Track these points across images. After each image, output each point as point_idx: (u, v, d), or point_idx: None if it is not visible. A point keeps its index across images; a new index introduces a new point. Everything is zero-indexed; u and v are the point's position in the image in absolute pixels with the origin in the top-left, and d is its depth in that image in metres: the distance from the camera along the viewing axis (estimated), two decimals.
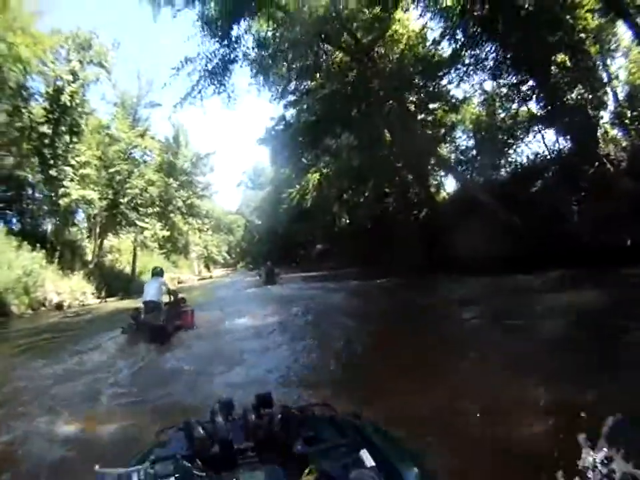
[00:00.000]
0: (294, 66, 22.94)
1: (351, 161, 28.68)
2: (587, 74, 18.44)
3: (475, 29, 18.86)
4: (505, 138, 22.97)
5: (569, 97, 18.43)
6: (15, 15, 21.61)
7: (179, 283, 33.95)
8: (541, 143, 21.88)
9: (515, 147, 23.02)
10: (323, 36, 20.47)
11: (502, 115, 23.59)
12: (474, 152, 25.67)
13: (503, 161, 23.45)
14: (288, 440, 1.70)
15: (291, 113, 27.91)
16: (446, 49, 21.79)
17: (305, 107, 25.96)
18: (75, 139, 25.34)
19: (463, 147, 26.74)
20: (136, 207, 29.05)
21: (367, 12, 21.16)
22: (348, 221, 39.15)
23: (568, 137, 19.37)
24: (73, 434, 5.04)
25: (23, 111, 23.40)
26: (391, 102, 21.85)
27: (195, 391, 6.20)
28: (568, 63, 18.29)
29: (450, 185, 29.93)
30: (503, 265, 14.78)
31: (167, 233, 35.59)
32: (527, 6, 17.25)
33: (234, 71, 20.81)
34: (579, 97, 18.53)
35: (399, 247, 23.94)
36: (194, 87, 20.38)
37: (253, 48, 21.10)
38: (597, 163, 16.84)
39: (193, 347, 9.27)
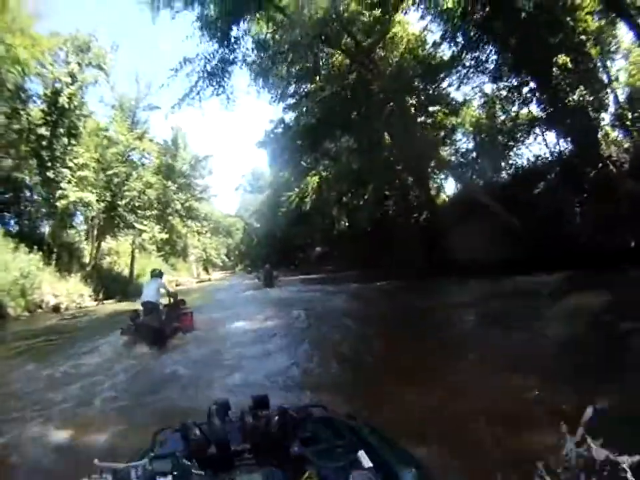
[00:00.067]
0: (293, 69, 22.90)
1: (350, 164, 28.64)
2: (587, 76, 18.42)
3: (475, 31, 18.82)
4: (505, 140, 22.95)
5: (570, 98, 18.39)
6: (13, 16, 21.57)
7: (177, 285, 33.67)
8: (541, 145, 22.03)
9: (515, 149, 23.01)
10: (323, 38, 20.39)
11: (502, 118, 23.58)
12: (474, 154, 25.66)
13: (503, 164, 23.49)
14: (285, 441, 1.69)
15: (290, 116, 28.01)
16: (446, 52, 21.91)
17: (304, 109, 25.94)
18: (72, 141, 25.21)
19: (463, 150, 26.79)
20: (134, 210, 28.86)
21: (367, 15, 21.11)
22: (347, 224, 39.07)
23: (569, 139, 19.37)
24: (65, 440, 4.94)
25: (21, 113, 23.33)
26: (391, 104, 21.78)
27: (192, 396, 6.06)
28: (569, 65, 18.24)
29: (450, 187, 30.00)
30: (503, 267, 14.82)
31: (165, 236, 35.47)
32: (527, 8, 17.19)
33: (233, 72, 20.75)
34: (581, 98, 18.50)
35: (399, 249, 23.89)
36: (192, 88, 20.27)
37: (252, 49, 21.12)
38: (599, 165, 16.81)
39: (191, 351, 9.14)
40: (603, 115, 19.26)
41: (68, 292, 21.99)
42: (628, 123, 18.38)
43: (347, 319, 11.76)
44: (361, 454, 1.51)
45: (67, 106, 24.06)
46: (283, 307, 15.34)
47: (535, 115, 21.24)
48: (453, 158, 26.56)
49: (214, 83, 20.30)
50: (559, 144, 20.54)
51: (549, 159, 20.86)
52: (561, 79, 18.54)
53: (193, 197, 45.62)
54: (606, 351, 6.22)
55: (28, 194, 27.34)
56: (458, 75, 21.85)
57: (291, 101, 26.27)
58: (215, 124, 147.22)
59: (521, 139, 22.51)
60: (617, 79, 20.04)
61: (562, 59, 18.23)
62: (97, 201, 25.66)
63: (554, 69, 18.30)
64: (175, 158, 43.14)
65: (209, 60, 19.71)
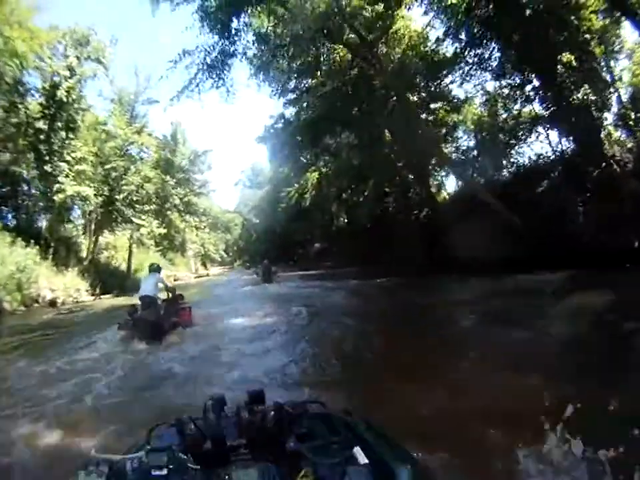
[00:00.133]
0: (295, 63, 22.72)
1: (350, 160, 28.64)
2: (591, 75, 18.34)
3: (479, 28, 18.69)
4: (507, 139, 22.92)
5: (574, 97, 18.30)
6: (12, 9, 21.38)
7: (175, 280, 33.63)
8: (543, 144, 21.91)
9: (517, 147, 22.97)
10: (324, 32, 20.21)
11: (504, 116, 23.51)
12: (475, 152, 25.62)
13: (504, 162, 23.44)
14: (281, 437, 1.68)
15: (290, 111, 27.93)
16: (449, 49, 21.86)
17: (304, 105, 25.80)
18: (71, 135, 25.17)
19: (464, 148, 26.76)
20: (132, 204, 28.76)
21: (370, 9, 20.96)
22: (346, 221, 39.09)
23: (571, 138, 19.26)
24: (56, 439, 4.81)
25: (20, 106, 23.24)
26: (394, 98, 21.64)
27: (190, 394, 5.90)
28: (574, 63, 18.16)
29: (451, 184, 29.93)
30: (504, 265, 14.79)
31: (163, 231, 35.38)
32: (531, 5, 17.08)
33: (233, 65, 20.48)
34: (585, 97, 18.43)
35: (399, 246, 23.88)
36: (191, 80, 19.98)
37: (253, 42, 20.85)
38: (603, 164, 16.72)
39: (189, 347, 9.01)
40: (605, 114, 19.28)
41: (65, 286, 21.86)
42: (631, 122, 18.38)
43: (346, 316, 11.65)
44: (357, 450, 1.48)
45: (65, 99, 23.99)
46: (281, 303, 15.27)
47: (538, 114, 21.18)
48: (453, 155, 26.45)
49: (214, 76, 20.03)
50: (560, 143, 20.57)
51: (551, 158, 20.81)
52: (566, 77, 18.46)
53: (192, 191, 45.62)
54: (609, 351, 6.19)
55: (25, 188, 27.28)
56: (461, 71, 21.83)
57: (291, 96, 26.13)
58: (215, 119, 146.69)
59: (523, 137, 22.48)
60: (620, 79, 20.09)
61: (566, 57, 18.17)
62: (95, 195, 25.58)
63: (558, 67, 18.18)
64: (174, 153, 43.15)
65: (208, 52, 19.44)
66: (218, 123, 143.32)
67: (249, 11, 18.99)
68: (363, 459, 1.44)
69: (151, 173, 31.81)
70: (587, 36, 18.11)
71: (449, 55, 21.71)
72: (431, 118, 24.92)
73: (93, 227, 28.62)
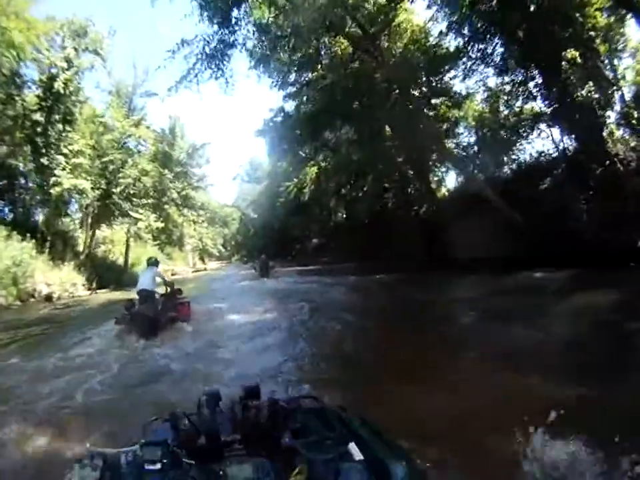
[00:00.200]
0: (295, 56, 22.50)
1: (350, 155, 28.48)
2: (595, 72, 18.22)
3: (482, 23, 18.54)
4: (508, 135, 22.79)
5: (579, 94, 18.15)
6: None
7: (172, 274, 33.56)
8: (544, 141, 21.84)
9: (518, 144, 22.80)
10: (327, 23, 19.98)
11: (505, 112, 23.42)
12: (475, 148, 25.52)
13: (505, 158, 23.36)
14: (275, 432, 1.70)
15: (290, 104, 27.80)
16: (451, 43, 21.78)
17: (304, 98, 25.67)
18: (68, 128, 24.96)
19: (465, 144, 26.58)
20: (129, 197, 28.57)
21: (372, 1, 20.82)
22: (345, 216, 39.01)
23: (573, 136, 19.14)
24: (45, 439, 4.67)
25: (17, 99, 23.02)
26: (397, 91, 21.47)
27: (185, 391, 5.77)
28: (579, 60, 18.02)
29: (451, 180, 29.85)
30: (504, 262, 14.89)
31: (161, 225, 35.11)
32: (536, 1, 16.97)
33: (233, 55, 20.19)
34: (589, 94, 18.30)
35: (398, 242, 23.86)
36: (190, 70, 19.67)
37: (253, 32, 20.54)
38: (606, 162, 16.64)
39: (186, 343, 8.91)
40: (608, 113, 19.16)
41: (61, 281, 21.73)
42: (634, 121, 18.26)
43: (345, 312, 11.55)
44: (352, 446, 1.51)
45: (62, 91, 23.77)
46: (279, 299, 15.25)
47: (539, 111, 21.12)
48: (454, 152, 26.21)
49: (212, 66, 19.72)
50: (562, 140, 20.44)
51: (553, 155, 20.74)
52: (570, 74, 18.33)
53: (190, 185, 45.43)
54: (612, 350, 6.13)
55: (23, 181, 27.08)
56: (463, 66, 21.75)
57: (291, 89, 26.05)
58: (214, 112, 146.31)
59: (524, 134, 22.37)
60: (623, 77, 20.07)
61: (571, 53, 18.03)
62: (92, 188, 25.40)
63: (563, 63, 18.02)
64: (172, 146, 42.87)
65: (207, 42, 19.16)
66: (216, 116, 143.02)
67: (250, 1, 18.75)
68: (357, 454, 1.47)
69: (149, 166, 31.58)
70: (592, 33, 18.06)
71: (451, 49, 21.62)
72: (431, 113, 24.74)
73: (89, 220, 28.46)
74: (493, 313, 9.66)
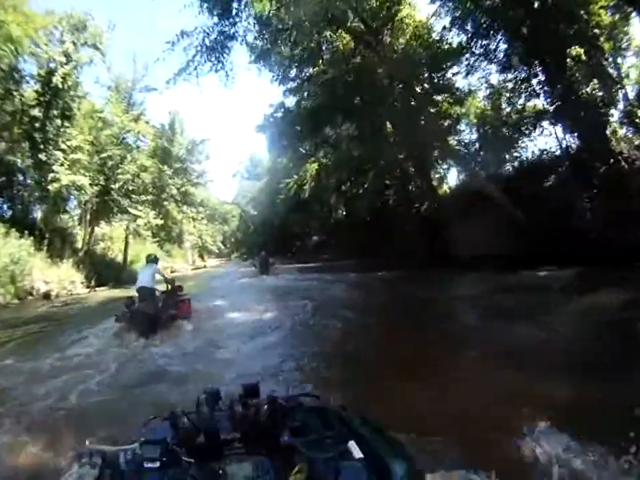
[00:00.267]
0: (296, 50, 22.31)
1: (351, 152, 28.37)
2: (599, 70, 18.13)
3: (486, 18, 18.43)
4: (510, 133, 22.74)
5: (584, 91, 18.08)
6: None
7: (172, 272, 33.49)
8: (547, 139, 21.78)
9: (520, 142, 22.76)
10: (329, 16, 19.76)
11: (507, 110, 23.37)
12: (477, 146, 25.44)
13: (507, 156, 23.29)
14: (275, 430, 1.68)
15: (290, 100, 27.67)
16: (454, 39, 21.72)
17: (305, 94, 25.54)
18: (66, 123, 24.81)
19: (466, 141, 26.47)
20: (128, 194, 28.40)
21: None
22: (345, 213, 39.02)
23: (575, 134, 19.02)
24: (39, 442, 4.52)
25: (15, 94, 22.87)
26: (400, 86, 21.32)
27: (184, 392, 5.61)
28: (583, 57, 17.95)
29: (452, 178, 29.83)
30: (507, 260, 14.85)
31: (160, 222, 35.14)
32: None
33: (233, 48, 20.07)
34: (594, 91, 18.26)
35: (399, 239, 23.89)
36: (189, 62, 19.56)
37: (254, 24, 20.34)
38: (610, 161, 16.60)
39: (185, 342, 8.89)
40: (611, 111, 19.07)
41: (59, 278, 21.56)
42: (638, 120, 18.19)
43: (346, 309, 11.53)
44: (352, 444, 1.48)
45: (60, 86, 23.62)
46: (279, 296, 15.18)
47: (542, 109, 21.02)
48: (457, 148, 26.12)
49: (212, 58, 19.62)
50: (565, 138, 20.29)
51: (556, 153, 20.62)
52: (576, 70, 18.26)
53: (189, 181, 45.44)
54: (617, 350, 6.08)
55: (21, 178, 26.95)
56: (466, 62, 21.66)
57: (292, 84, 25.91)
58: (213, 107, 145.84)
59: (527, 132, 22.31)
60: (627, 76, 20.01)
61: (575, 50, 17.96)
62: (90, 184, 25.26)
63: (567, 60, 17.93)
64: (172, 142, 42.81)
65: (207, 34, 19.04)
66: (216, 112, 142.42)
67: None
68: (357, 453, 1.43)
69: (148, 162, 31.48)
70: (596, 31, 18.00)
71: (454, 45, 21.54)
72: (433, 110, 24.60)
73: (88, 217, 28.37)
74: (495, 311, 9.66)
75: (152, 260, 10.98)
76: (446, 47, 21.76)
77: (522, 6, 17.03)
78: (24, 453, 4.35)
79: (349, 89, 21.75)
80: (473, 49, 20.59)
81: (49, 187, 23.16)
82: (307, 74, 24.97)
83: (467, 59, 21.38)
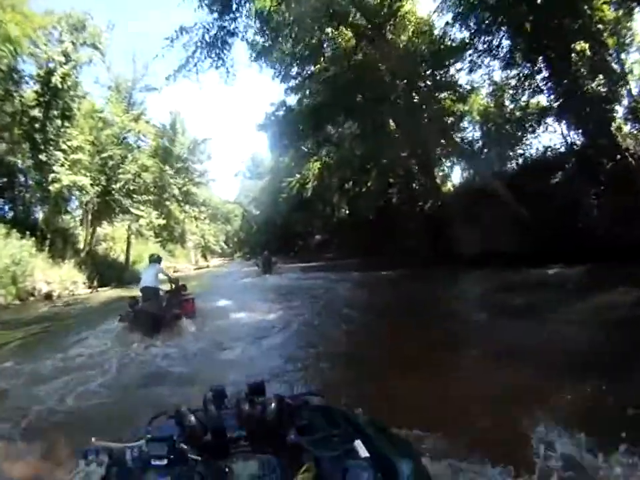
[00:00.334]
0: (298, 47, 22.17)
1: (353, 150, 28.34)
2: (604, 66, 18.01)
3: (489, 14, 18.32)
4: (514, 130, 22.65)
5: (589, 87, 17.94)
6: None
7: (174, 272, 33.45)
8: (551, 135, 21.62)
9: (524, 139, 22.60)
10: (331, 11, 19.60)
11: (511, 107, 23.27)
12: (480, 143, 25.36)
13: (511, 153, 23.17)
14: (281, 429, 1.62)
15: (292, 98, 27.59)
16: (457, 35, 21.55)
17: (307, 92, 25.46)
18: (66, 123, 24.75)
19: (470, 139, 26.29)
20: (129, 193, 28.40)
21: None
22: (348, 212, 39.06)
23: (580, 130, 18.93)
24: (37, 446, 4.41)
25: (14, 95, 22.85)
26: (405, 81, 21.18)
27: (186, 395, 5.54)
28: (588, 52, 17.85)
29: (456, 176, 29.77)
30: (512, 258, 14.73)
31: (162, 222, 35.20)
32: None
33: (233, 44, 19.91)
34: (599, 86, 18.13)
35: (403, 238, 23.89)
36: (189, 59, 19.39)
37: (254, 20, 20.15)
38: (617, 157, 16.48)
39: (189, 343, 8.81)
40: (616, 107, 18.93)
41: (61, 279, 21.53)
42: None
43: (350, 309, 11.56)
44: (358, 443, 1.42)
45: (60, 86, 23.56)
46: (281, 295, 15.36)
47: (546, 106, 20.91)
48: (461, 145, 26.02)
49: (213, 55, 19.46)
50: (569, 135, 20.23)
51: (560, 150, 20.55)
52: (581, 65, 18.15)
53: (191, 181, 45.52)
54: (625, 350, 5.92)
55: (22, 179, 26.99)
56: (470, 58, 21.42)
57: (293, 82, 25.80)
58: (215, 107, 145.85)
59: (530, 129, 22.17)
60: (631, 72, 19.78)
61: (580, 45, 17.85)
62: (91, 184, 25.27)
63: (572, 55, 17.81)
64: (173, 142, 42.83)
65: (207, 30, 18.85)
66: (217, 111, 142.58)
67: None
68: (363, 452, 1.39)
69: (149, 162, 31.51)
70: (600, 26, 17.83)
71: (456, 42, 21.42)
72: (436, 107, 24.50)
73: (90, 217, 28.34)
74: (500, 310, 9.56)
75: (155, 260, 11.01)
76: (448, 43, 21.65)
77: (525, 1, 16.89)
78: (23, 455, 4.27)
79: (350, 86, 21.58)
80: (476, 45, 20.42)
81: (50, 188, 23.13)
82: (309, 72, 24.83)
83: (470, 55, 21.18)
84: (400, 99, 21.54)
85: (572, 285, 11.29)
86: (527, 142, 22.62)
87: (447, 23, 21.05)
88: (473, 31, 19.86)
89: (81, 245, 27.65)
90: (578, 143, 19.42)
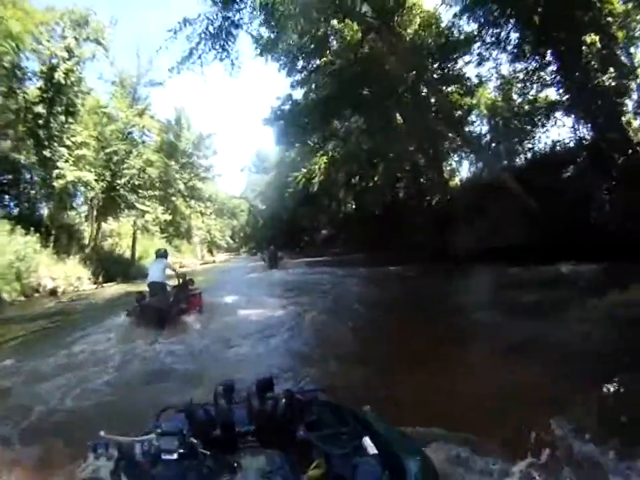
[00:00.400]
0: (303, 39, 21.94)
1: (360, 145, 28.17)
2: (614, 59, 17.75)
3: (497, 6, 18.08)
4: (522, 124, 22.51)
5: (600, 80, 17.67)
6: None
7: (180, 267, 33.44)
8: (560, 130, 21.53)
9: (533, 133, 22.41)
10: (337, 2, 19.35)
11: (519, 101, 23.10)
12: (488, 137, 25.20)
13: (519, 147, 23.05)
14: (290, 425, 1.70)
15: (298, 92, 27.43)
16: (464, 28, 21.46)
17: (313, 86, 25.31)
18: (70, 119, 24.66)
19: (477, 133, 26.09)
20: (134, 189, 28.41)
21: None
22: (354, 207, 39.09)
23: (589, 125, 18.69)
24: (36, 447, 4.28)
25: (18, 92, 22.80)
26: (412, 74, 20.94)
27: (192, 394, 5.34)
28: (598, 45, 17.54)
29: (463, 171, 29.54)
30: (521, 254, 14.54)
31: (168, 217, 35.26)
32: None
33: (238, 36, 19.64)
34: (610, 80, 17.84)
35: (410, 233, 23.76)
36: (193, 50, 19.07)
37: (259, 11, 19.71)
38: (629, 151, 16.28)
39: (194, 340, 8.68)
40: (625, 101, 18.73)
41: (66, 275, 21.49)
42: None
43: (358, 304, 11.57)
44: (366, 440, 1.49)
45: (63, 82, 23.45)
46: (288, 290, 15.30)
47: (554, 99, 20.78)
48: (468, 139, 25.87)
49: (217, 46, 19.18)
50: (578, 129, 19.97)
51: (569, 144, 20.34)
52: (591, 59, 17.85)
53: (197, 176, 45.47)
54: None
55: (28, 176, 26.90)
56: (478, 51, 21.33)
57: (299, 76, 25.56)
58: (219, 101, 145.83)
59: (539, 123, 21.95)
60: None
61: (591, 37, 17.57)
62: (96, 180, 25.29)
63: (583, 48, 17.54)
64: (179, 138, 42.80)
65: (211, 21, 18.60)
66: (223, 106, 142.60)
67: None
68: (372, 449, 1.44)
69: (154, 157, 31.58)
70: (609, 19, 17.53)
71: (464, 35, 21.34)
72: (443, 101, 24.30)
73: (95, 213, 28.44)
74: (509, 306, 9.43)
75: (162, 254, 11.01)
76: (456, 35, 21.55)
77: None
78: (16, 457, 4.15)
79: (357, 79, 21.40)
80: (484, 38, 20.28)
81: (55, 184, 23.12)
82: (314, 65, 24.62)
83: (477, 48, 21.10)
84: (407, 92, 21.34)
85: (584, 282, 11.14)
86: (536, 136, 22.41)
87: (455, 15, 20.90)
88: (480, 24, 19.74)
89: (86, 241, 27.65)
90: (587, 137, 19.13)
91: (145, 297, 9.88)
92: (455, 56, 22.26)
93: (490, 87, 24.75)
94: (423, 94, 21.92)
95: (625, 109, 18.34)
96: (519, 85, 22.27)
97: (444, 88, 23.69)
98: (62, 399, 5.61)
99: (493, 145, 24.41)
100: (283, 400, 1.75)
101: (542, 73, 20.22)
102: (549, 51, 18.83)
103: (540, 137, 22.30)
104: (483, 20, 19.40)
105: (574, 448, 3.49)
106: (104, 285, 23.61)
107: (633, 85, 18.52)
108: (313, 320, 9.85)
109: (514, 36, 19.49)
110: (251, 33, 20.70)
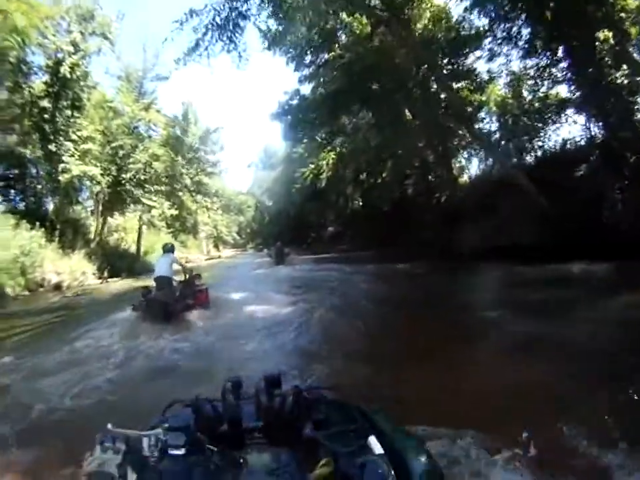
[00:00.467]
0: (312, 32, 21.77)
1: (368, 140, 28.04)
2: (626, 56, 17.50)
3: (508, 1, 18.00)
4: (532, 121, 22.33)
5: (612, 77, 17.51)
6: None
7: (186, 262, 33.40)
8: (571, 127, 21.64)
9: (543, 131, 22.25)
10: None
11: (529, 98, 22.92)
12: (498, 135, 25.07)
13: (529, 145, 22.87)
14: (297, 422, 1.66)
15: (306, 87, 27.52)
16: (475, 22, 21.39)
17: (321, 80, 25.18)
18: (76, 114, 24.71)
19: (487, 129, 25.93)
20: (140, 183, 28.44)
21: None
22: (361, 203, 39.09)
23: (600, 123, 18.47)
24: (33, 448, 4.23)
25: (24, 86, 22.81)
26: (423, 67, 20.76)
27: (195, 392, 5.21)
28: (612, 41, 17.36)
29: (473, 167, 29.45)
30: (530, 252, 14.36)
31: (175, 212, 35.39)
32: None
33: (245, 27, 19.29)
34: (622, 77, 17.64)
35: (418, 230, 23.70)
36: (199, 41, 18.73)
37: (267, 2, 19.39)
38: None
39: (199, 336, 8.66)
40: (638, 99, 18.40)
41: (71, 269, 21.46)
42: None
43: (365, 301, 11.59)
44: (372, 439, 1.44)
45: (69, 76, 23.45)
46: (294, 287, 15.28)
47: (565, 97, 20.58)
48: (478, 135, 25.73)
49: (224, 38, 18.80)
50: (590, 127, 19.74)
51: (580, 142, 20.14)
52: (604, 55, 17.69)
53: (203, 171, 45.48)
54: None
55: (33, 170, 26.95)
56: (489, 46, 21.24)
57: (307, 71, 25.53)
58: (227, 96, 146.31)
59: (550, 120, 21.80)
60: None
61: (604, 33, 17.41)
62: (102, 174, 25.35)
63: (596, 44, 17.35)
64: (186, 132, 42.77)
65: (218, 12, 18.26)
66: (230, 101, 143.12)
67: None
68: (378, 448, 1.41)
69: (160, 151, 31.41)
70: (622, 15, 17.29)
71: (474, 29, 21.26)
72: (453, 97, 24.14)
73: (100, 208, 28.49)
74: (517, 305, 9.30)
75: (168, 249, 11.06)
76: (467, 30, 21.47)
77: None
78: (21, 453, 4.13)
79: (366, 73, 21.26)
80: (495, 33, 20.16)
81: (60, 178, 23.17)
82: (323, 59, 24.55)
83: (488, 43, 20.99)
84: (417, 87, 21.18)
85: (595, 282, 11.01)
86: (547, 134, 22.25)
87: (465, 9, 20.79)
88: (491, 18, 19.60)
89: (92, 236, 27.77)
90: (599, 135, 18.91)
91: (151, 292, 9.95)
92: (465, 51, 22.15)
93: (500, 84, 24.61)
94: (432, 89, 21.73)
95: (637, 107, 18.02)
96: (530, 82, 22.12)
97: (454, 83, 23.55)
98: (63, 397, 5.57)
99: (503, 142, 24.23)
100: (291, 397, 1.73)
101: (553, 70, 20.02)
102: (560, 47, 18.58)
103: (550, 135, 22.11)
104: (493, 14, 19.25)
105: (579, 447, 3.52)
106: (109, 280, 23.60)
107: None
108: (320, 317, 9.73)
109: (525, 31, 19.30)
110: (259, 25, 20.53)
